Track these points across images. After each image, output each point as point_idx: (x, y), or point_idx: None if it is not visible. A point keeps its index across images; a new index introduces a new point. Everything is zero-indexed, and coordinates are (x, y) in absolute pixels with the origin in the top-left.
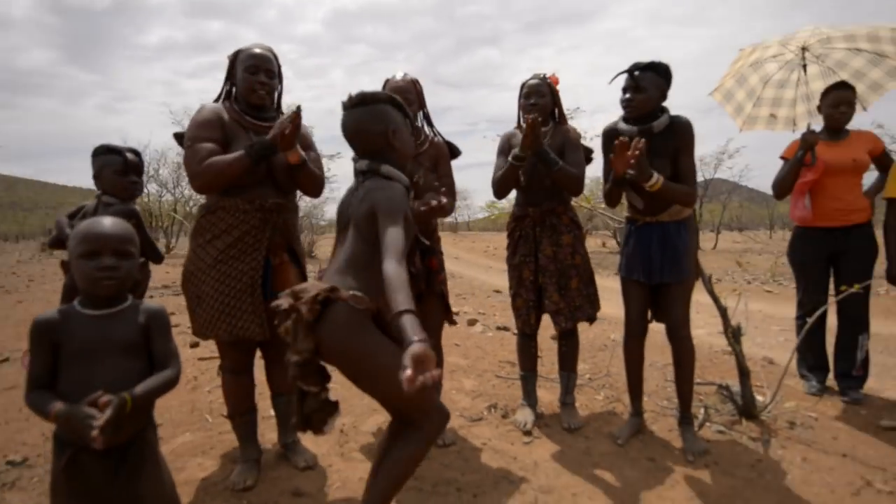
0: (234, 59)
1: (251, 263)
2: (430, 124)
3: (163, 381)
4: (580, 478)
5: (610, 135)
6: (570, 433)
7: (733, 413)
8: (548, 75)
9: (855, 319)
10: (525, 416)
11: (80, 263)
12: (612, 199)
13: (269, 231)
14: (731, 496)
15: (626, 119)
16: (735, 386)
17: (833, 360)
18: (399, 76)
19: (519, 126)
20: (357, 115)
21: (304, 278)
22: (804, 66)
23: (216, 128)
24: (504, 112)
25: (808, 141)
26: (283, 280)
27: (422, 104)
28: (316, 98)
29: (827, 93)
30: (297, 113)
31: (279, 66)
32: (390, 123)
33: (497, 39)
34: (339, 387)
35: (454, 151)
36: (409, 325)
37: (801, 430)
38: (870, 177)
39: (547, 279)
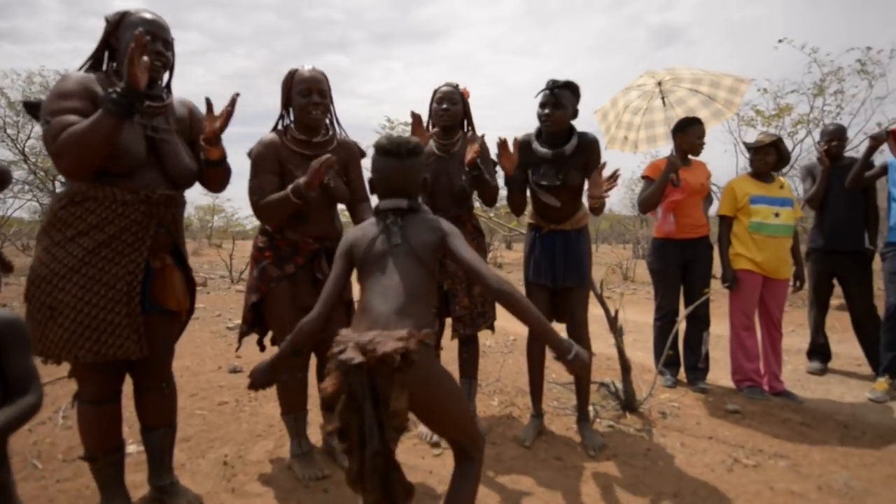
0: (118, 22)
1: (129, 267)
2: (337, 122)
3: (22, 411)
4: (498, 485)
5: (522, 148)
6: None
7: (617, 408)
8: (460, 86)
9: (700, 319)
10: (425, 429)
11: None
12: (517, 206)
13: (154, 228)
14: (636, 484)
15: (539, 134)
16: (617, 382)
17: (683, 356)
18: (308, 68)
19: (428, 129)
20: (410, 164)
21: (191, 285)
22: (662, 98)
23: (84, 99)
24: (354, 119)
25: (675, 165)
26: (166, 287)
27: (331, 99)
28: None
29: (689, 125)
30: (233, 101)
31: (172, 41)
32: (425, 169)
33: (345, 46)
34: (206, 413)
35: (361, 152)
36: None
37: (671, 418)
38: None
39: (457, 285)
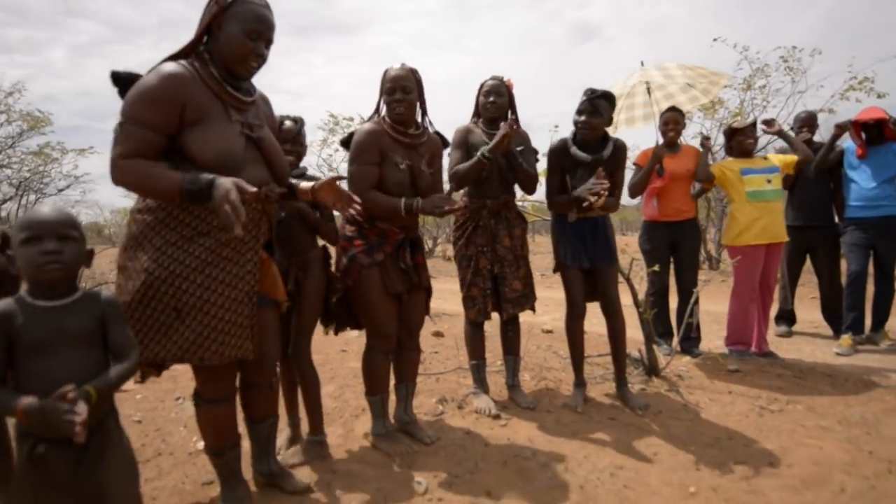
0: (227, 7)
1: (247, 266)
2: (426, 115)
3: (123, 372)
4: (574, 444)
5: (559, 152)
6: (532, 411)
7: (642, 374)
8: (504, 79)
9: (689, 294)
10: (484, 402)
11: (22, 250)
12: (561, 207)
13: (265, 225)
14: (690, 433)
15: (576, 140)
16: (640, 351)
17: (676, 326)
18: (397, 66)
19: (475, 122)
20: None
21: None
22: (648, 90)
23: (166, 109)
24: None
25: (659, 155)
26: (267, 278)
27: (421, 95)
28: (30, 78)
29: (662, 114)
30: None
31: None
32: None
33: None
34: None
35: (445, 144)
36: None
37: (689, 380)
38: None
39: (506, 268)
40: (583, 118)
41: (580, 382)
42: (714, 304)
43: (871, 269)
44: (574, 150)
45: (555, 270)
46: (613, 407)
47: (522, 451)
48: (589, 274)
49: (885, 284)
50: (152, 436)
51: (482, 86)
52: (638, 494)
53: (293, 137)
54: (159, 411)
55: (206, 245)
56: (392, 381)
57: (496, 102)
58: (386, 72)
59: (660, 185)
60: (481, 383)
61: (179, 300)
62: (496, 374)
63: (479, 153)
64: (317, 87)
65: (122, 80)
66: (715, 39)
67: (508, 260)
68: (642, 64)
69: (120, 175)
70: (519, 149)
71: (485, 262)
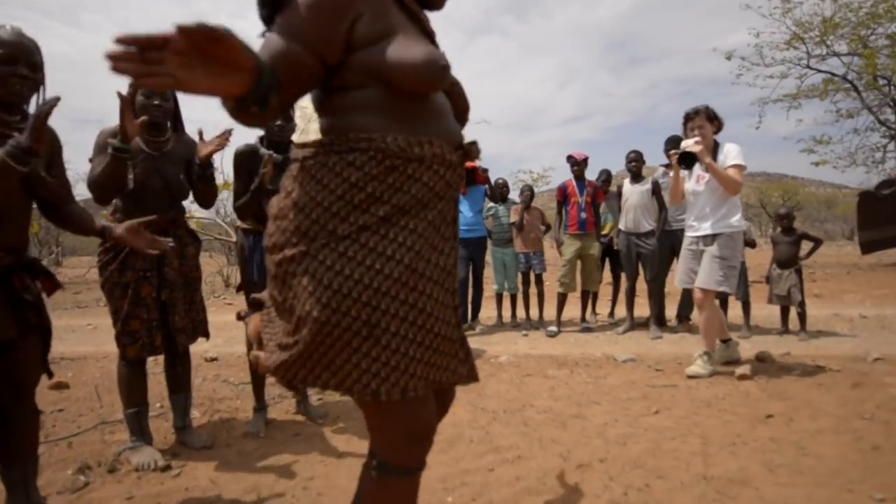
0: None
1: (453, 255)
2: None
3: None
4: (262, 469)
5: (249, 155)
6: (210, 450)
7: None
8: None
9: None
10: (147, 455)
11: None
12: (245, 213)
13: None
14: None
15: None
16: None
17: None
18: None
19: None
20: None
21: None
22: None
23: None
24: None
25: None
26: None
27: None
28: None
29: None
30: None
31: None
32: None
33: None
34: None
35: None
36: None
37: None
38: None
39: (176, 295)
40: (279, 122)
41: (261, 406)
42: None
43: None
44: (263, 150)
45: (239, 290)
46: (296, 423)
47: (206, 496)
48: None
49: (477, 288)
50: None
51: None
52: (332, 499)
53: None
54: None
55: (413, 228)
56: None
57: (162, 106)
58: None
59: None
60: (142, 434)
61: (377, 310)
62: (155, 418)
63: (110, 147)
64: None
65: None
66: None
67: (179, 285)
68: None
69: None
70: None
71: (149, 290)
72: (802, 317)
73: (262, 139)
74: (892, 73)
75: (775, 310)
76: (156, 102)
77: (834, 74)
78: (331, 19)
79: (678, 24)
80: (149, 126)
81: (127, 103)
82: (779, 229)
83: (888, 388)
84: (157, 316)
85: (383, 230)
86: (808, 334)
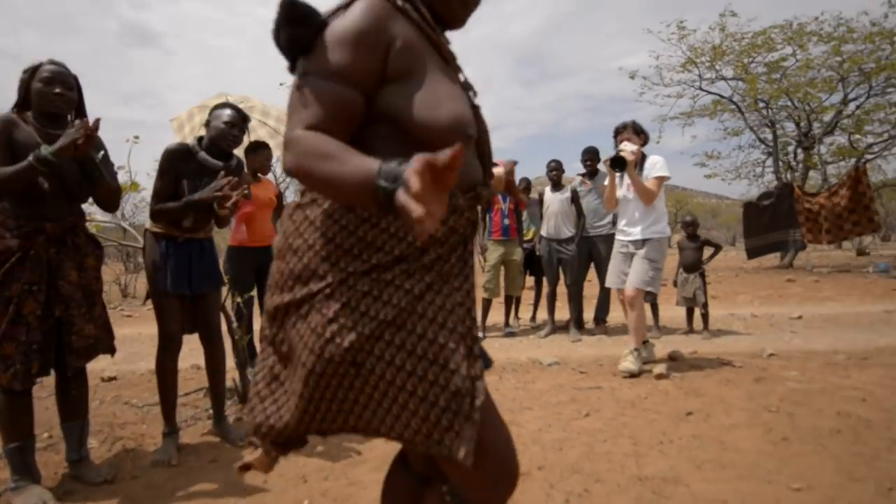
0: None
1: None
2: None
3: None
4: (176, 501)
5: (181, 155)
6: (112, 484)
7: (236, 402)
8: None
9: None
10: (35, 497)
11: None
12: (171, 215)
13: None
14: None
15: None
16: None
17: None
18: None
19: (20, 113)
20: None
21: None
22: None
23: None
24: None
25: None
26: None
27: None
28: None
29: (259, 148)
30: None
31: None
32: None
33: None
34: None
35: None
36: None
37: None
38: None
39: (73, 310)
40: (234, 131)
41: (171, 430)
42: None
43: None
44: (203, 155)
45: (147, 299)
46: (212, 446)
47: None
48: (190, 301)
49: None
50: None
51: (37, 70)
52: None
53: None
54: None
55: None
56: None
57: (65, 96)
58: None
59: (249, 209)
60: (26, 471)
61: (372, 355)
62: (43, 451)
63: (33, 154)
64: None
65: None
66: (281, 84)
67: (77, 299)
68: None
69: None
70: (100, 155)
71: (32, 306)
72: (706, 317)
73: (200, 140)
74: (770, 97)
75: (680, 311)
76: (57, 90)
77: (722, 96)
78: (368, 47)
79: (586, 43)
80: (48, 117)
81: (90, 132)
82: (685, 235)
83: (786, 381)
84: (39, 338)
85: (375, 275)
86: (711, 333)
